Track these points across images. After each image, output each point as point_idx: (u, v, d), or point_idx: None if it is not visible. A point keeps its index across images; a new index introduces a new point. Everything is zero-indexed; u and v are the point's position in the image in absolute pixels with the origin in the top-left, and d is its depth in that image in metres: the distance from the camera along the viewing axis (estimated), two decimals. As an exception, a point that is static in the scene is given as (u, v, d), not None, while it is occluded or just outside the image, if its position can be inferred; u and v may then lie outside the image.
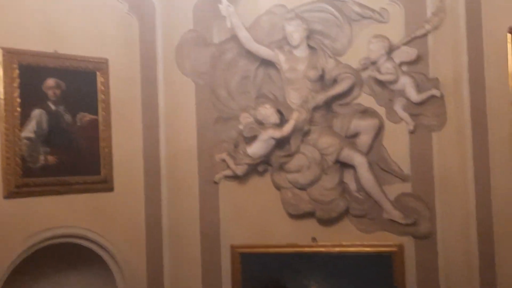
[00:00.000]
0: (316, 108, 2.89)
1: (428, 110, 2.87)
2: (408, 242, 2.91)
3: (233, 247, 3.02)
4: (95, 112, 2.92)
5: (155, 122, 3.08)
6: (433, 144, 2.90)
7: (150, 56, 3.05)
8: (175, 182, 3.11)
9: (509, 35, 2.61)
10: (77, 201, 2.82)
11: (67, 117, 2.83)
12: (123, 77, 2.97)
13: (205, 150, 3.08)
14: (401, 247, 2.88)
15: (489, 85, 2.74)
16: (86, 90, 2.90)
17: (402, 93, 2.89)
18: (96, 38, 2.91)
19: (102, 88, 2.94)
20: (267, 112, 2.90)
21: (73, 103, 2.85)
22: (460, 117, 2.84)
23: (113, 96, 2.93)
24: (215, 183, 3.08)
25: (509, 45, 2.61)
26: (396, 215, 2.88)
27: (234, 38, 2.98)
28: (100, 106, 2.93)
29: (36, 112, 2.73)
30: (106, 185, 2.92)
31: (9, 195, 2.61)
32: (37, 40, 2.68)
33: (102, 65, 2.93)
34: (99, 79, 2.93)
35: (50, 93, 2.77)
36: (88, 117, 2.90)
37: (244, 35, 2.90)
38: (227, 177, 3.06)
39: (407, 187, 2.93)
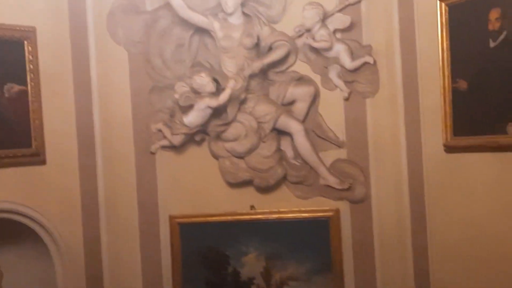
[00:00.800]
0: (252, 76, 3.07)
1: (362, 77, 3.10)
2: (344, 207, 3.18)
3: (171, 218, 3.20)
4: (24, 83, 2.99)
5: (87, 93, 3.18)
6: (367, 110, 3.15)
7: (80, 24, 3.15)
8: (111, 154, 3.24)
9: (439, 2, 2.86)
10: (7, 175, 2.91)
11: None
12: (53, 46, 3.06)
13: (141, 120, 3.23)
14: (337, 212, 3.14)
15: (420, 52, 2.98)
16: (13, 59, 2.95)
17: (336, 60, 3.12)
18: (22, 5, 2.97)
19: (31, 57, 3.01)
20: (203, 81, 3.05)
21: (0, 74, 2.91)
22: (392, 83, 3.10)
23: (43, 66, 3.01)
24: (152, 153, 3.24)
25: (439, 13, 2.87)
26: (332, 180, 3.13)
27: (167, 5, 3.10)
28: (29, 76, 3.00)
29: None
30: (38, 158, 3.03)
31: None
32: None
33: (29, 33, 2.99)
34: (27, 48, 3.00)
35: None
36: (16, 88, 2.97)
37: (177, 2, 3.03)
38: (163, 147, 3.22)
39: (342, 153, 3.19)
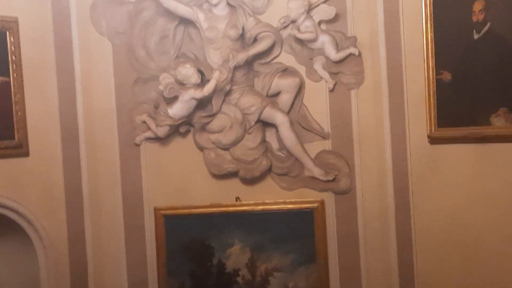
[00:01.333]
0: (237, 68, 3.08)
1: (346, 68, 3.12)
2: (329, 198, 3.20)
3: (156, 210, 3.21)
4: (7, 74, 2.99)
5: (71, 84, 3.17)
6: (351, 101, 3.17)
7: (63, 15, 3.14)
8: (95, 146, 3.24)
9: None
10: None
11: None
12: (35, 37, 3.06)
13: (125, 112, 3.22)
14: (322, 203, 3.17)
15: (405, 43, 3.03)
16: None
17: (321, 52, 3.12)
18: None
19: (13, 48, 3.00)
20: (188, 72, 3.06)
21: None
22: (377, 74, 3.12)
23: (25, 57, 3.01)
24: (136, 145, 3.24)
25: (423, 4, 2.90)
26: (317, 172, 3.16)
27: None
28: (12, 67, 3.00)
29: None
30: (21, 150, 3.03)
31: None
32: None
33: (11, 24, 2.99)
34: (9, 39, 2.99)
35: None
36: None
37: None
38: (148, 139, 3.22)
39: (327, 145, 3.20)
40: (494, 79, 2.76)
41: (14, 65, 3.01)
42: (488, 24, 2.74)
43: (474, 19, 2.79)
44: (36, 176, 3.07)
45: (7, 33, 2.99)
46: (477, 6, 2.77)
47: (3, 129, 2.97)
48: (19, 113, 3.02)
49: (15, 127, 3.01)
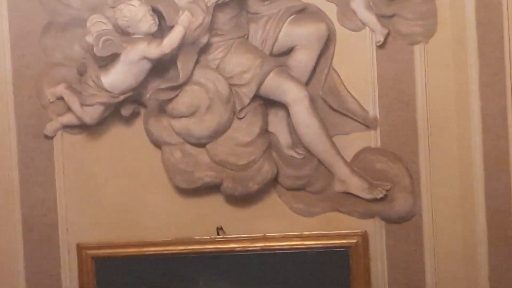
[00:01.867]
0: (220, 6, 2.02)
1: (408, 9, 2.06)
2: (375, 229, 2.16)
3: (81, 248, 2.12)
4: None
5: None
6: (415, 65, 2.11)
7: None
8: None
9: None
10: None
11: None
12: None
13: (27, 81, 2.15)
14: (364, 237, 2.12)
15: None
16: None
17: None
18: None
19: None
20: (136, 13, 2.02)
21: None
22: (459, 19, 2.06)
23: None
24: (47, 137, 2.17)
25: None
26: (355, 185, 2.13)
27: None
28: None
29: None
30: None
31: None
32: None
33: None
34: None
35: None
36: None
37: None
38: (67, 128, 2.17)
39: (373, 139, 2.16)
40: None
41: None
42: None
43: None
44: None
45: None
46: None
47: None
48: None
49: None
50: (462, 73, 2.05)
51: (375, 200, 2.08)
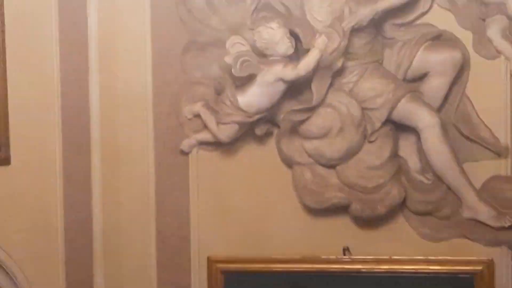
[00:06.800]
0: (357, 30, 2.20)
1: None
2: (501, 257, 2.27)
3: (211, 262, 2.33)
4: None
5: (81, 54, 2.33)
6: None
7: None
8: (115, 153, 2.41)
9: None
10: None
11: None
12: None
13: (167, 98, 2.36)
14: (490, 265, 2.23)
15: None
16: None
17: (502, 8, 2.19)
18: None
19: None
20: (274, 35, 2.21)
21: None
22: None
23: (9, 13, 2.20)
24: (183, 153, 2.38)
25: None
26: (483, 212, 2.24)
27: None
28: None
29: None
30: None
31: None
32: None
33: None
34: None
35: None
36: None
37: None
38: (203, 144, 2.37)
39: (504, 167, 2.26)
40: None
41: None
42: None
43: None
44: (19, 194, 2.27)
45: None
46: None
47: None
48: None
49: None
50: None
51: (503, 228, 2.20)
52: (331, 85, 2.23)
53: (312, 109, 2.25)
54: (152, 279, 2.39)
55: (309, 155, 2.29)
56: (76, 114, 2.41)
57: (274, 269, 2.31)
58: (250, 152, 2.36)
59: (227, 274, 2.32)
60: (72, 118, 2.42)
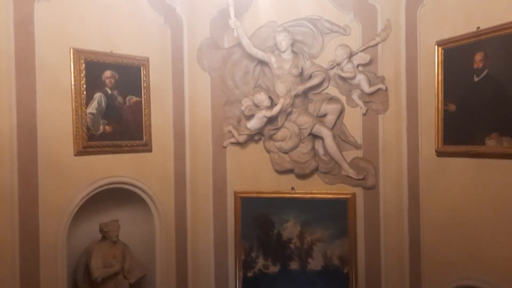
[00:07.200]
0: (296, 96, 4.07)
1: (376, 99, 4.06)
2: (359, 192, 4.12)
3: (235, 193, 4.32)
4: (140, 95, 4.03)
5: (181, 103, 4.29)
6: (379, 123, 4.08)
7: (178, 55, 4.30)
8: (195, 147, 4.33)
9: (436, 46, 3.62)
10: (126, 159, 3.94)
11: (119, 99, 3.92)
12: (160, 71, 4.19)
13: (217, 123, 4.33)
14: (353, 195, 4.11)
15: (420, 82, 3.79)
16: (133, 79, 3.98)
17: (358, 86, 4.06)
18: (140, 42, 4.02)
19: (145, 78, 4.08)
20: (262, 98, 4.11)
21: (124, 89, 3.91)
22: (398, 104, 4.00)
23: (152, 84, 4.10)
24: (224, 147, 4.35)
25: (436, 54, 3.62)
26: (351, 172, 4.11)
27: (239, 44, 4.19)
28: (143, 91, 4.06)
29: (97, 95, 3.77)
30: (147, 147, 4.08)
31: (78, 153, 3.71)
32: (98, 43, 3.79)
33: (144, 61, 4.09)
34: (143, 72, 4.06)
35: (107, 81, 3.84)
36: (134, 99, 3.99)
37: (246, 42, 4.11)
38: (232, 143, 4.31)
39: (359, 153, 4.12)
40: (489, 111, 3.27)
41: (145, 89, 4.12)
42: (486, 71, 3.24)
43: (475, 66, 3.31)
44: (156, 166, 4.16)
45: (141, 67, 4.13)
46: (478, 57, 3.31)
47: (136, 132, 4.05)
48: (147, 122, 4.13)
49: (144, 131, 4.09)
50: (399, 127, 3.96)
51: (359, 179, 4.02)
52: (286, 118, 4.02)
53: (278, 129, 4.04)
54: (210, 201, 4.18)
55: (277, 148, 4.08)
56: (179, 132, 4.16)
57: (262, 196, 4.12)
58: (252, 147, 4.14)
59: (242, 198, 4.15)
60: (178, 133, 4.15)
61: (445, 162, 3.56)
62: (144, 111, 4.06)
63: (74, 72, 3.60)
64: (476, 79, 3.31)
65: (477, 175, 3.34)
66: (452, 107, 3.50)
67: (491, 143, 3.21)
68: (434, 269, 3.72)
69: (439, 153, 3.62)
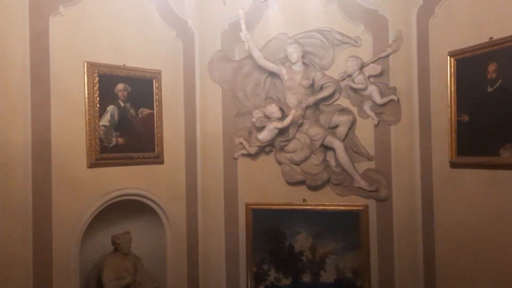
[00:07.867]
0: (307, 107, 4.05)
1: (388, 110, 4.00)
2: (371, 203, 4.03)
3: (247, 204, 4.28)
4: (152, 108, 4.05)
5: (193, 115, 4.31)
6: (391, 134, 4.03)
7: (190, 68, 4.34)
8: (207, 158, 4.34)
9: (449, 57, 3.59)
10: (138, 171, 3.95)
11: (132, 111, 3.93)
12: (172, 83, 4.23)
13: (228, 135, 4.31)
14: (366, 207, 4.04)
15: (433, 93, 3.76)
16: (145, 92, 4.00)
17: (369, 97, 4.02)
18: (152, 55, 4.05)
19: (157, 91, 4.11)
20: (273, 109, 4.09)
21: (136, 101, 3.93)
22: (411, 115, 3.94)
23: (164, 97, 4.13)
24: (235, 159, 4.33)
25: (449, 65, 3.59)
26: (363, 184, 4.04)
27: (250, 56, 4.21)
28: (155, 103, 4.07)
29: (110, 108, 3.79)
30: (158, 159, 4.09)
31: (91, 165, 3.72)
32: (111, 57, 3.81)
33: (156, 74, 4.12)
34: (155, 84, 4.09)
35: (120, 94, 3.86)
36: (146, 111, 4.00)
37: (257, 54, 4.14)
38: (243, 155, 4.29)
39: (371, 164, 4.05)
40: (503, 121, 3.23)
41: (157, 102, 4.14)
42: (500, 81, 3.21)
43: (488, 76, 3.30)
44: (167, 178, 4.17)
45: (153, 80, 4.16)
46: (491, 67, 3.29)
47: (147, 144, 4.06)
48: (159, 134, 4.14)
49: (156, 143, 4.10)
50: (411, 138, 3.92)
51: (372, 191, 3.97)
52: (297, 130, 3.98)
53: (289, 140, 4.01)
54: (221, 213, 4.18)
55: (288, 160, 4.04)
56: (191, 144, 4.20)
57: (273, 208, 4.06)
58: (263, 158, 4.11)
59: (254, 209, 4.11)
60: (190, 145, 4.18)
61: (459, 173, 3.52)
62: (156, 123, 4.08)
63: (87, 85, 3.65)
64: (489, 89, 3.28)
65: (492, 187, 3.29)
66: (465, 118, 3.47)
67: (506, 154, 3.16)
68: (449, 282, 3.68)
69: (453, 164, 3.58)
